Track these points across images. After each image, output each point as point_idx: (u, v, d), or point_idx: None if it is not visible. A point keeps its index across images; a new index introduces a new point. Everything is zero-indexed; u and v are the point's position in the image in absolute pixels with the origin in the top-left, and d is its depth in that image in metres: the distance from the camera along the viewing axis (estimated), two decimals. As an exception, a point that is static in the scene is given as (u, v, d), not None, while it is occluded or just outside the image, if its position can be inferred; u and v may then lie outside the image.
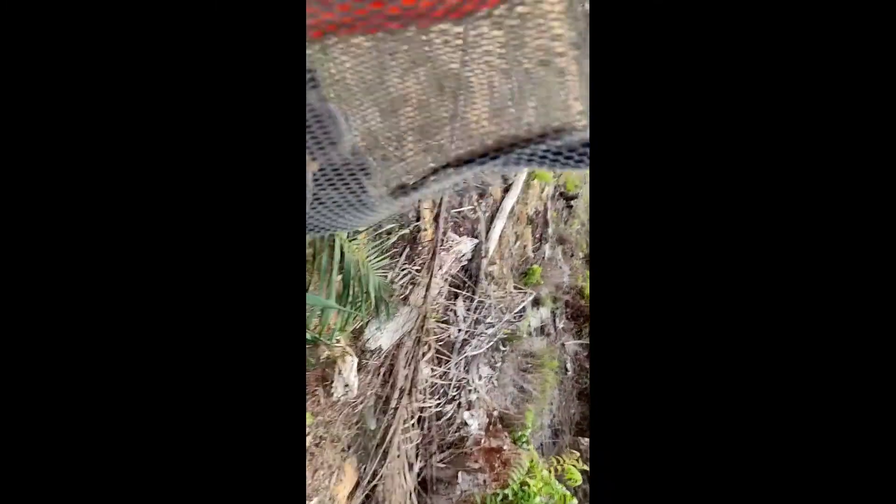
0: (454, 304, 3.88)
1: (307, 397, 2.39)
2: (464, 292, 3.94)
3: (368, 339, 2.83)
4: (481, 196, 4.31)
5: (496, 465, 3.31)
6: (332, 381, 2.31)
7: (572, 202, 8.29)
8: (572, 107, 0.58)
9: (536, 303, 6.32)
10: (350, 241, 2.23)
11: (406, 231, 3.16)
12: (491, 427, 4.07)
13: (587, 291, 8.32)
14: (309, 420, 2.41)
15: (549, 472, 3.36)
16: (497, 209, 4.68)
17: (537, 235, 6.48)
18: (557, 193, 7.69)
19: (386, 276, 2.90)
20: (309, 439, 2.37)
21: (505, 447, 3.58)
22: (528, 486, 3.06)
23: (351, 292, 2.18)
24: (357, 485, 2.65)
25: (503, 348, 4.79)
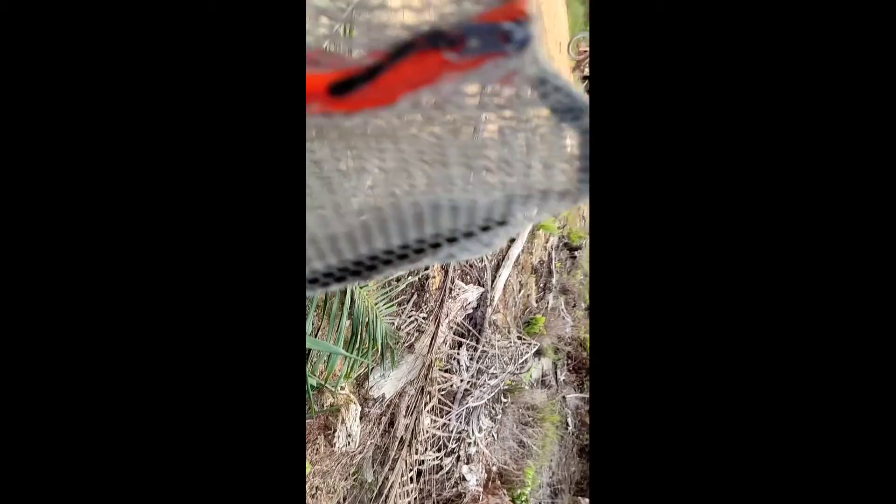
0: (458, 353, 3.83)
1: (307, 445, 2.32)
2: (468, 341, 3.90)
3: (372, 387, 2.78)
4: (489, 245, 4.33)
5: (494, 525, 3.18)
6: (335, 430, 2.26)
7: (576, 253, 8.34)
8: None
9: (538, 353, 6.24)
10: (361, 287, 2.22)
11: (415, 279, 3.16)
12: (489, 483, 3.94)
13: (588, 344, 8.23)
14: (306, 469, 2.33)
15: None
16: (503, 258, 4.69)
17: (541, 285, 6.48)
18: (562, 244, 7.74)
19: (393, 323, 2.88)
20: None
21: (503, 506, 3.46)
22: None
23: (358, 339, 2.16)
24: (351, 540, 2.54)
25: (504, 399, 4.69)
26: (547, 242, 6.66)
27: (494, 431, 4.36)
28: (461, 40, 0.36)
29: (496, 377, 4.29)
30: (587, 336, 8.42)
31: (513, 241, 4.97)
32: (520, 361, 4.69)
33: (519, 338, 5.60)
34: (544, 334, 5.91)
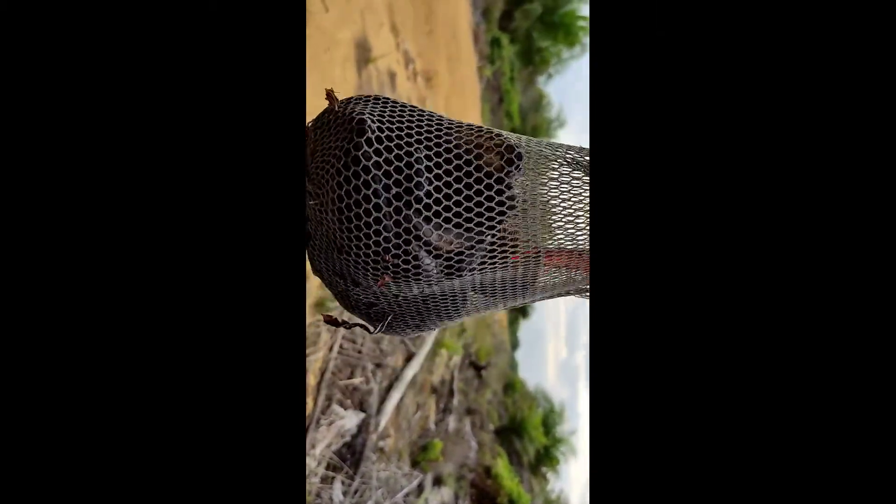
0: (330, 488, 3.41)
1: None
2: (342, 475, 3.50)
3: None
4: (378, 366, 4.11)
5: None
6: None
7: (483, 371, 8.21)
8: None
9: (438, 482, 5.80)
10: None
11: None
12: None
13: (495, 470, 7.83)
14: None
15: None
16: (396, 379, 4.45)
17: (441, 406, 6.18)
18: (467, 362, 7.61)
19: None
20: None
21: None
22: None
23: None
24: None
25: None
26: (450, 361, 6.49)
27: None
28: None
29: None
30: (494, 462, 8.05)
31: (408, 360, 4.77)
32: (403, 494, 4.27)
33: (413, 465, 5.19)
34: (442, 460, 5.53)
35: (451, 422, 6.24)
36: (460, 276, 0.57)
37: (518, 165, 0.54)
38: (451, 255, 0.55)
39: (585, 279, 0.64)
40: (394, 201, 0.52)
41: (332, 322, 0.65)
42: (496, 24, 11.35)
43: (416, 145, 0.53)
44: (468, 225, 0.54)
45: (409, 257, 0.53)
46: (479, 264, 0.57)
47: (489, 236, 0.55)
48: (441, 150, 0.54)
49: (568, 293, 0.70)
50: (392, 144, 0.52)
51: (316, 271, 0.64)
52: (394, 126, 0.54)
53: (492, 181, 0.53)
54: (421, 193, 0.52)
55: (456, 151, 0.54)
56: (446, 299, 0.63)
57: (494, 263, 0.58)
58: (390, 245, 0.52)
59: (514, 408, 10.46)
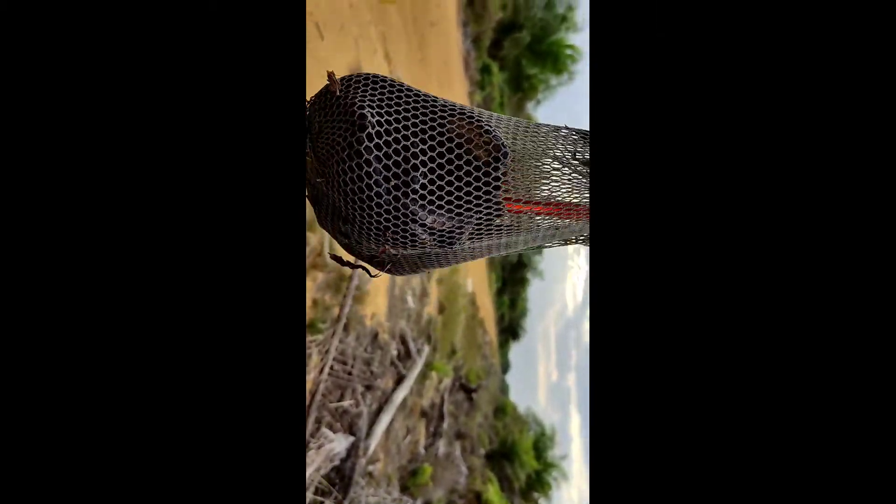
0: (319, 514, 3.35)
1: None
2: (330, 500, 3.45)
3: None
4: (368, 388, 4.08)
5: None
6: None
7: (473, 394, 8.14)
8: None
9: None
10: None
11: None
12: None
13: (486, 496, 7.71)
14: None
15: None
16: (385, 401, 4.42)
17: (431, 430, 6.12)
18: (457, 385, 7.55)
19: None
20: None
21: None
22: None
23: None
24: None
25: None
26: (440, 384, 6.45)
27: None
28: None
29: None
30: (485, 487, 7.92)
31: (398, 383, 4.75)
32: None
33: (403, 489, 5.10)
34: (431, 485, 5.44)
35: (441, 446, 6.17)
36: (451, 245, 0.66)
37: (503, 162, 0.63)
38: (444, 232, 0.64)
39: (582, 226, 0.73)
40: (393, 190, 0.60)
41: (338, 260, 0.73)
42: (486, 52, 11.61)
43: (412, 139, 0.61)
44: (458, 210, 0.63)
45: (407, 233, 0.62)
46: (468, 238, 0.67)
47: (476, 216, 0.64)
48: (435, 143, 0.62)
49: (567, 242, 0.79)
50: (391, 139, 0.60)
51: (322, 226, 0.72)
52: (391, 118, 0.61)
53: (480, 174, 0.62)
54: (416, 186, 0.60)
55: (448, 145, 0.62)
56: (440, 255, 0.73)
57: (481, 235, 0.68)
58: (390, 224, 0.61)
59: (505, 431, 10.35)
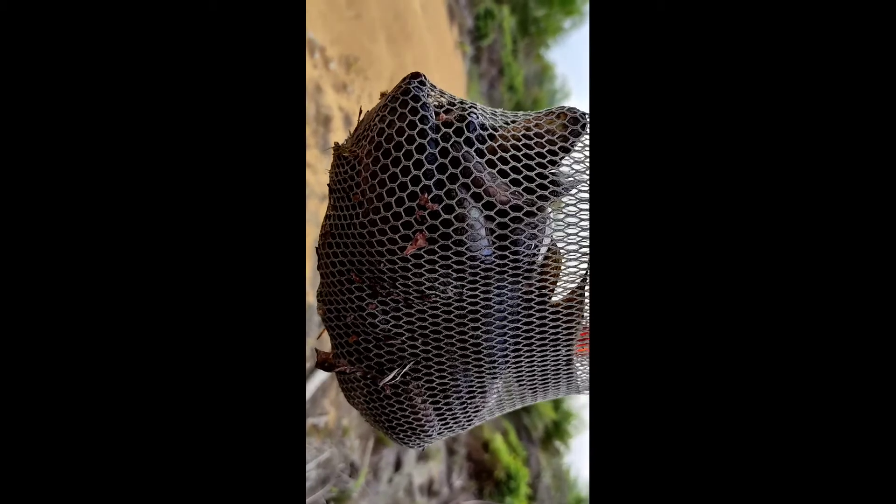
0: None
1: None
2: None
3: None
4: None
5: None
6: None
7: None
8: None
9: (422, 455, 5.90)
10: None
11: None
12: None
13: (493, 445, 7.89)
14: None
15: None
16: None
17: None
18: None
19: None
20: None
21: None
22: None
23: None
24: None
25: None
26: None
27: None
28: None
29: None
30: (493, 436, 8.11)
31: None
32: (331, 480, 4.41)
33: (378, 441, 5.29)
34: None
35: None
36: (513, 254, 0.46)
37: (581, 135, 0.46)
38: (505, 214, 0.45)
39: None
40: (441, 142, 0.44)
41: (324, 365, 0.55)
42: (488, -5, 11.11)
43: (469, 108, 0.46)
44: (526, 174, 0.45)
45: (454, 202, 0.43)
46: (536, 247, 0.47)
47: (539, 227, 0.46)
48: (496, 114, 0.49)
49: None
50: (444, 99, 0.48)
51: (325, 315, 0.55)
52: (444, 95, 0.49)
53: (555, 138, 0.46)
54: (472, 136, 0.45)
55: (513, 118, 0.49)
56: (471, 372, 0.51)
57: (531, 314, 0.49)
58: (431, 182, 0.43)
59: (525, 384, 10.44)
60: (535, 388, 0.58)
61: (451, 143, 0.44)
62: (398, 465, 5.51)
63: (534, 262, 0.48)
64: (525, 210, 0.45)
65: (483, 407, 0.55)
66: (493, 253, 0.46)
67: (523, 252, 0.46)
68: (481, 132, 0.45)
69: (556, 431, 11.14)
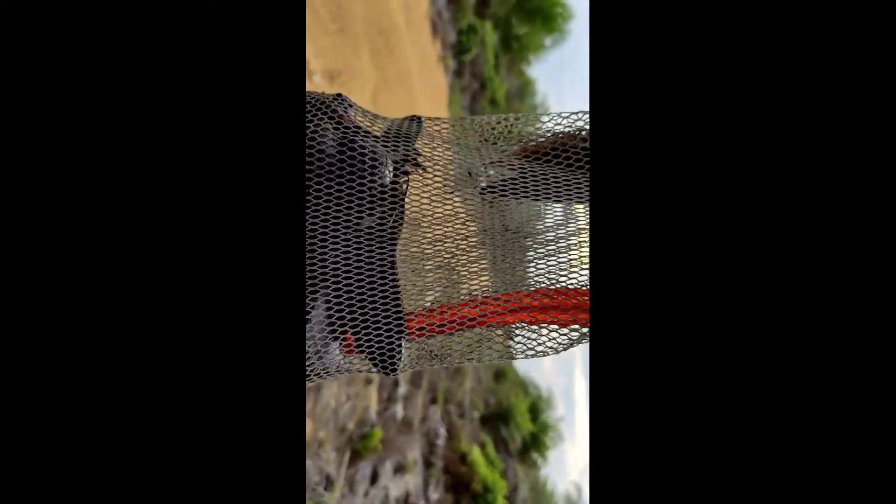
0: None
1: None
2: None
3: None
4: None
5: None
6: None
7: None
8: None
9: (399, 469, 5.89)
10: None
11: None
12: None
13: (471, 457, 7.90)
14: None
15: None
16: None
17: (385, 396, 6.23)
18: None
19: None
20: None
21: None
22: None
23: None
24: None
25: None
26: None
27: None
28: None
29: None
30: (471, 448, 8.10)
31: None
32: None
33: (354, 454, 5.26)
34: (381, 449, 5.60)
35: (400, 410, 6.33)
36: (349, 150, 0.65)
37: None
38: (348, 129, 0.67)
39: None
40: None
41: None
42: (472, 11, 11.28)
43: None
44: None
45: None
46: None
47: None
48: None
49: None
50: None
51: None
52: None
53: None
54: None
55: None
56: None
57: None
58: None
59: (503, 395, 10.48)
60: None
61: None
62: (374, 478, 5.50)
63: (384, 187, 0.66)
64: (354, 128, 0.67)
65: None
66: (335, 147, 0.64)
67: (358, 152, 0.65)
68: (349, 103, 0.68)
69: (534, 443, 11.17)
